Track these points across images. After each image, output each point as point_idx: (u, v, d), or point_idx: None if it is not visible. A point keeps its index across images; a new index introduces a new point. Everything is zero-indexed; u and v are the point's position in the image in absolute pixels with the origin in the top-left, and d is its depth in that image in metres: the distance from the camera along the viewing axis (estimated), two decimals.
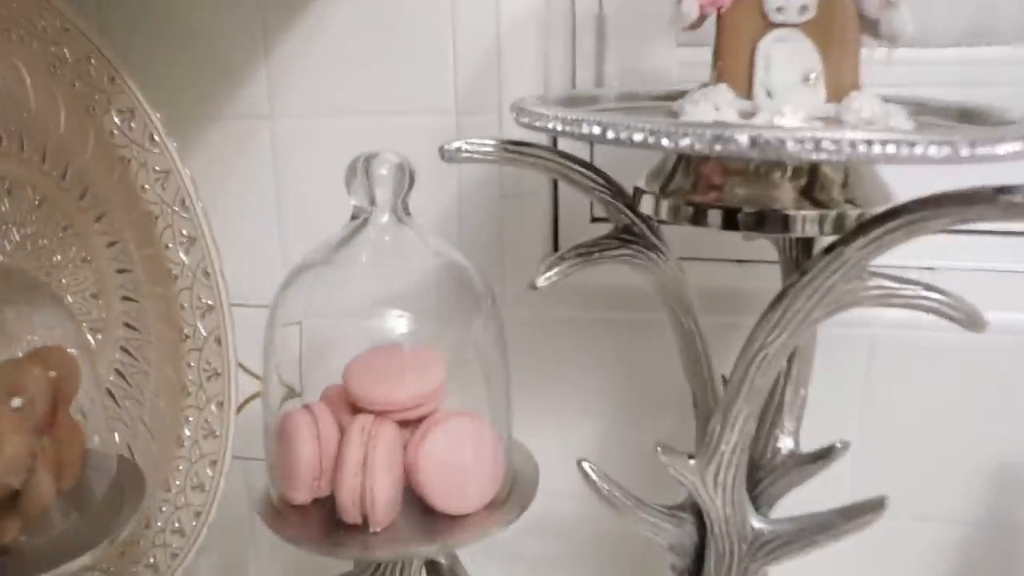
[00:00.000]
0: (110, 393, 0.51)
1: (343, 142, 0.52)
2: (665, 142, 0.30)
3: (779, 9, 0.35)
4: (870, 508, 0.40)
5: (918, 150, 0.28)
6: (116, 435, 0.49)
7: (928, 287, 0.35)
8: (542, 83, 0.49)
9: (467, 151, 0.39)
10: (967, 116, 0.39)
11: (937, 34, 0.47)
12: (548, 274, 0.39)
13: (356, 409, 0.39)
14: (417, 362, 0.39)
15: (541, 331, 0.53)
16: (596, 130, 0.32)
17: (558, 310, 0.53)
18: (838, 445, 0.42)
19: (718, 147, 0.29)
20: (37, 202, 0.53)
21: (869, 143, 0.28)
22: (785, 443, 0.43)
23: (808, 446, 0.44)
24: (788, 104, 0.35)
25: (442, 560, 0.44)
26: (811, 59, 0.35)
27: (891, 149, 0.28)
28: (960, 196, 0.32)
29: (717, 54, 0.36)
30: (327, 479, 0.38)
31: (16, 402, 0.38)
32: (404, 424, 0.39)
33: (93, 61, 0.43)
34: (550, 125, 0.34)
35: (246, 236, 0.55)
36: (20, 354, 0.41)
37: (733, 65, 0.36)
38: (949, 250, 0.52)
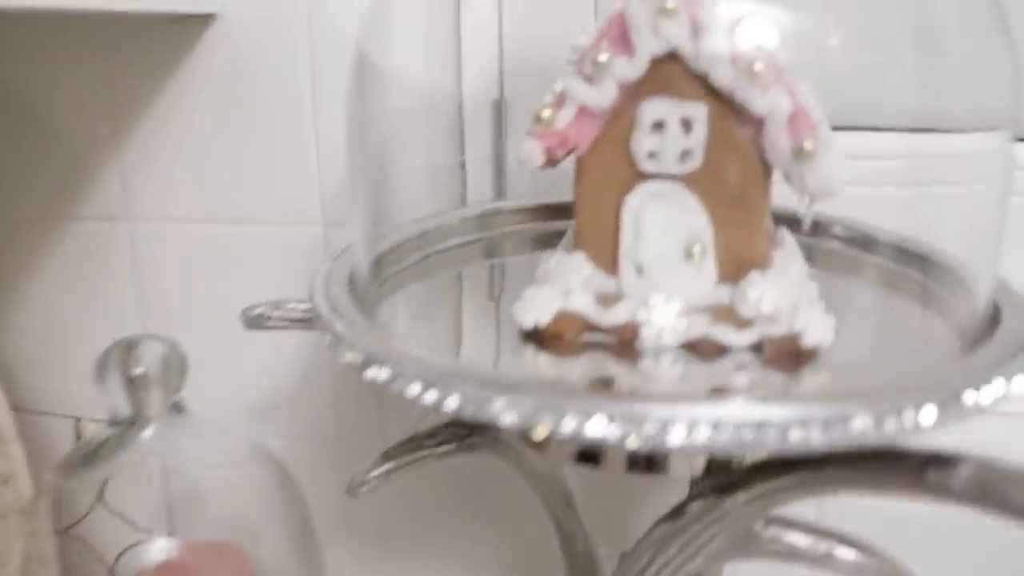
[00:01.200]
0: None
1: (206, 249, 0.45)
2: (428, 398, 0.21)
3: (652, 155, 0.25)
4: None
5: (795, 436, 0.19)
6: None
7: (844, 540, 0.25)
8: (425, 190, 0.40)
9: (272, 319, 0.31)
10: (933, 270, 0.30)
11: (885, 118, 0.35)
12: (369, 478, 0.30)
13: None
14: None
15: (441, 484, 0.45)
16: (383, 375, 0.22)
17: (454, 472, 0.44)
18: None
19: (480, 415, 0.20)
20: None
21: (718, 426, 0.19)
22: None
23: None
24: (660, 289, 0.26)
25: None
26: (696, 223, 0.26)
27: (748, 436, 0.19)
28: (878, 457, 0.22)
29: (575, 209, 0.27)
30: None
31: None
32: None
33: None
34: (327, 341, 0.25)
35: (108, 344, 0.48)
36: None
37: (594, 227, 0.26)
38: None
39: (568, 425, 0.18)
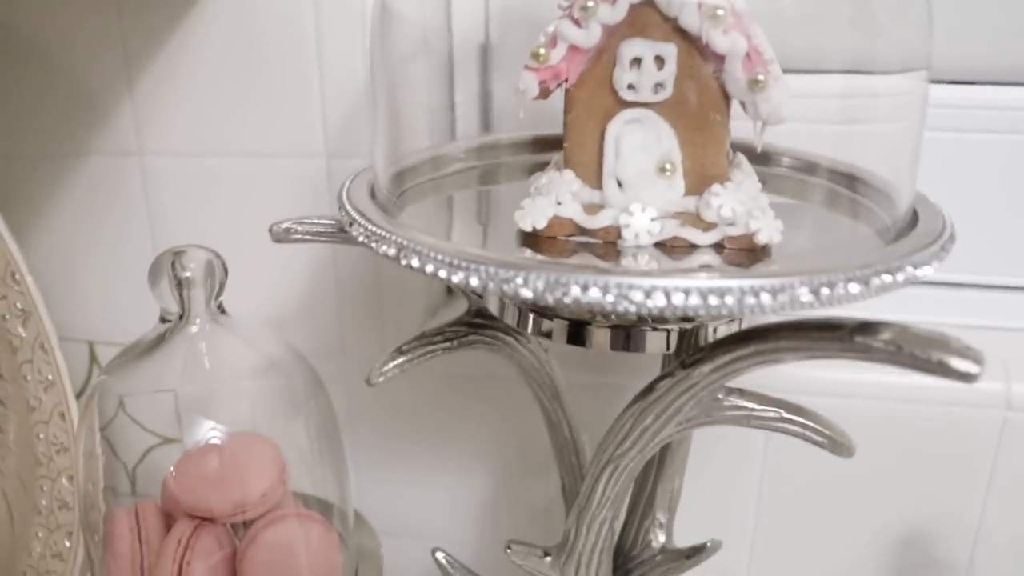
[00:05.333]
0: None
1: (215, 182, 0.49)
2: (455, 278, 0.26)
3: (630, 86, 0.30)
4: None
5: (749, 300, 0.24)
6: None
7: (791, 408, 0.31)
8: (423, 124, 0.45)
9: (299, 232, 0.35)
10: (864, 189, 0.35)
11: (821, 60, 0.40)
12: (385, 369, 0.35)
13: (187, 512, 0.36)
14: (239, 465, 0.36)
15: (439, 386, 0.50)
16: (391, 252, 0.27)
17: (453, 368, 0.49)
18: (709, 544, 0.39)
19: (505, 289, 0.25)
20: None
21: (688, 292, 0.24)
22: (657, 537, 0.40)
23: (704, 534, 0.41)
24: (638, 199, 0.31)
25: None
26: (668, 145, 0.30)
27: (713, 301, 0.24)
28: (818, 327, 0.27)
29: (565, 134, 0.32)
30: None
31: None
32: (239, 525, 0.36)
33: None
34: (354, 232, 0.29)
35: (122, 273, 0.52)
36: None
37: (580, 149, 0.31)
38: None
39: (573, 293, 0.24)
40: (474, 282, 0.25)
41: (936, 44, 0.32)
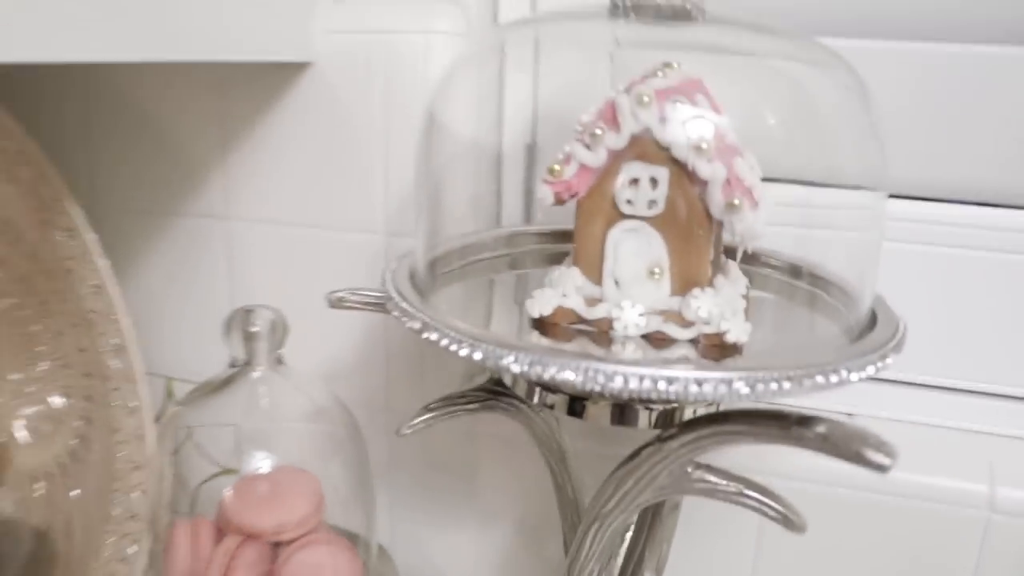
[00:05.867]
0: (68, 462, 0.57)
1: (288, 248, 0.56)
2: (462, 352, 0.32)
3: (629, 202, 0.36)
4: None
5: (693, 388, 0.30)
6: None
7: (750, 485, 0.35)
8: (470, 212, 0.51)
9: (350, 301, 0.42)
10: (833, 291, 0.40)
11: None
12: (414, 423, 0.41)
13: (236, 529, 0.42)
14: (283, 493, 0.42)
15: (471, 444, 0.56)
16: (416, 326, 0.33)
17: (484, 427, 0.55)
18: None
19: (499, 364, 0.30)
20: (19, 277, 0.58)
21: (643, 378, 0.29)
22: None
23: None
24: (630, 297, 0.36)
25: None
26: (658, 252, 0.36)
27: (662, 386, 0.29)
28: (768, 416, 0.33)
29: (574, 237, 0.38)
30: None
31: None
32: (279, 544, 0.42)
33: (42, 184, 0.48)
34: (390, 308, 0.36)
35: (201, 321, 0.59)
36: None
37: (586, 250, 0.37)
38: (870, 396, 0.53)
39: (550, 373, 0.29)
40: (477, 356, 0.31)
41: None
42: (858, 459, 0.30)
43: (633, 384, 0.29)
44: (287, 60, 0.51)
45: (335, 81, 0.52)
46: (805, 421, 0.32)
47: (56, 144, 0.56)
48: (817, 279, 0.41)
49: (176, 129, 0.57)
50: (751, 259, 0.43)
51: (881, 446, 0.30)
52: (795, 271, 0.43)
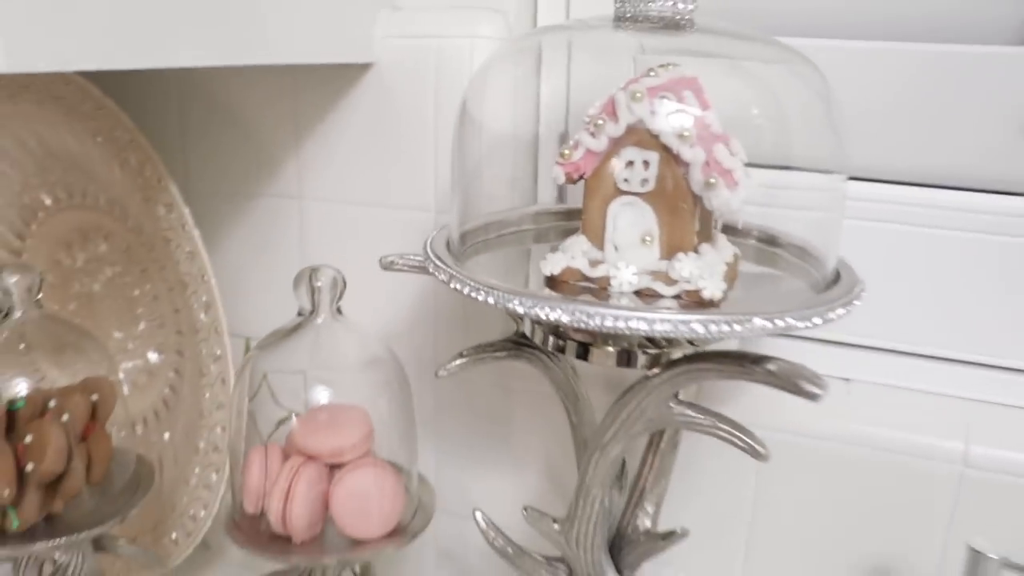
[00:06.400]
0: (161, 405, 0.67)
1: (352, 223, 0.64)
2: (479, 297, 0.39)
3: (626, 180, 0.43)
4: None
5: (659, 327, 0.37)
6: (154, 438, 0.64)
7: (721, 419, 0.42)
8: (508, 192, 0.59)
9: (399, 264, 0.50)
10: (809, 257, 0.47)
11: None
12: (449, 367, 0.49)
13: (299, 452, 0.51)
14: (339, 423, 0.50)
15: (506, 396, 0.64)
16: (444, 278, 0.41)
17: (517, 383, 0.63)
18: (679, 530, 0.50)
19: (508, 307, 0.38)
20: (123, 248, 0.68)
21: (617, 318, 0.37)
22: (643, 522, 0.51)
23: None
24: (625, 260, 0.43)
25: (356, 570, 0.56)
26: (649, 223, 0.43)
27: (634, 324, 0.37)
28: (730, 356, 0.40)
29: (583, 210, 0.45)
30: (266, 500, 0.50)
31: (64, 417, 0.52)
32: (334, 467, 0.51)
33: (148, 166, 0.57)
34: (428, 266, 0.44)
35: (276, 288, 0.68)
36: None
37: (591, 221, 0.44)
38: (865, 364, 0.59)
39: (544, 313, 0.37)
40: (490, 300, 0.39)
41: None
42: (796, 389, 0.37)
43: (608, 322, 0.36)
44: (351, 62, 0.60)
45: (392, 80, 0.60)
46: (759, 360, 0.39)
47: (158, 136, 0.65)
48: (792, 247, 0.48)
49: (257, 123, 0.66)
50: (737, 232, 0.50)
51: (814, 379, 0.37)
52: (773, 240, 0.50)
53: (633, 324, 0.36)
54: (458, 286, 0.40)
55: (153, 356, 0.70)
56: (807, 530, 0.58)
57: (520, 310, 0.38)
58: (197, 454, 0.62)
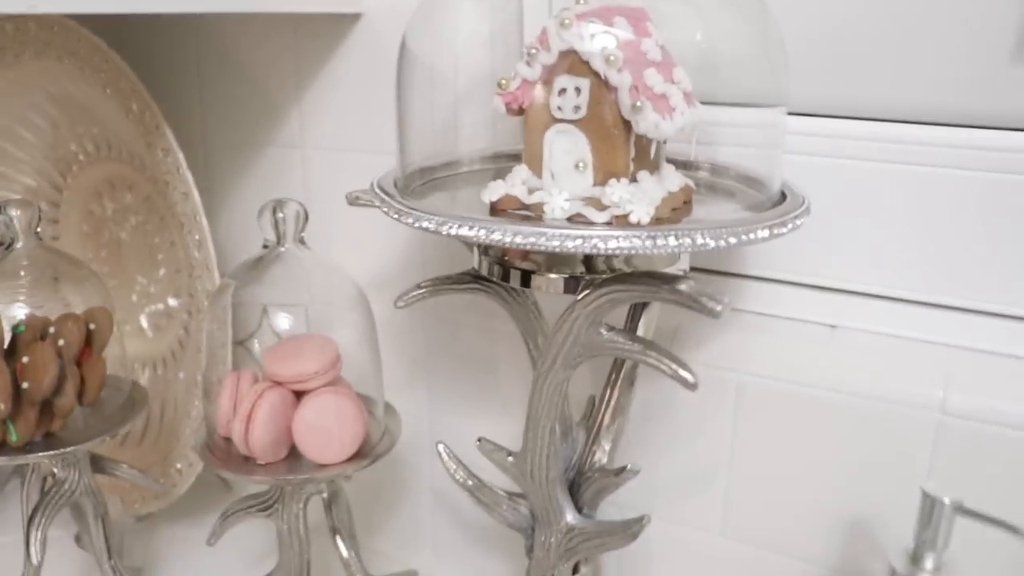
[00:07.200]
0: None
1: (350, 171, 0.67)
2: (418, 224, 0.41)
3: (559, 108, 0.44)
4: (637, 523, 0.48)
5: (570, 244, 0.37)
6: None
7: (649, 345, 0.42)
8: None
9: (361, 199, 0.51)
10: (751, 183, 0.47)
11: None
12: (407, 297, 0.51)
13: (266, 378, 0.53)
14: (304, 351, 0.52)
15: (487, 341, 0.65)
16: (395, 215, 0.43)
17: (501, 326, 0.64)
18: (629, 467, 0.50)
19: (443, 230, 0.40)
20: (144, 197, 0.72)
21: (528, 235, 0.37)
22: (600, 458, 0.52)
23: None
24: (560, 186, 0.44)
25: (324, 495, 0.58)
26: (583, 150, 0.44)
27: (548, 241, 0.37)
28: (649, 277, 0.40)
29: (524, 140, 0.46)
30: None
31: (60, 342, 0.56)
32: (300, 393, 0.53)
33: (147, 112, 0.61)
34: (376, 203, 0.45)
35: None
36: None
37: (530, 149, 0.45)
38: (851, 311, 0.57)
39: (493, 237, 0.38)
40: (429, 225, 0.40)
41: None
42: (699, 306, 0.37)
43: (508, 238, 0.37)
44: (342, 11, 0.62)
45: (380, 28, 0.62)
46: (672, 280, 0.39)
47: (178, 93, 0.69)
48: (740, 177, 0.48)
49: (265, 76, 0.69)
50: (690, 165, 0.50)
51: (715, 296, 0.37)
52: (720, 171, 0.49)
53: (544, 241, 0.37)
54: (396, 215, 0.42)
55: (172, 301, 0.74)
56: (786, 475, 0.57)
57: (441, 231, 0.39)
58: (196, 387, 0.65)
